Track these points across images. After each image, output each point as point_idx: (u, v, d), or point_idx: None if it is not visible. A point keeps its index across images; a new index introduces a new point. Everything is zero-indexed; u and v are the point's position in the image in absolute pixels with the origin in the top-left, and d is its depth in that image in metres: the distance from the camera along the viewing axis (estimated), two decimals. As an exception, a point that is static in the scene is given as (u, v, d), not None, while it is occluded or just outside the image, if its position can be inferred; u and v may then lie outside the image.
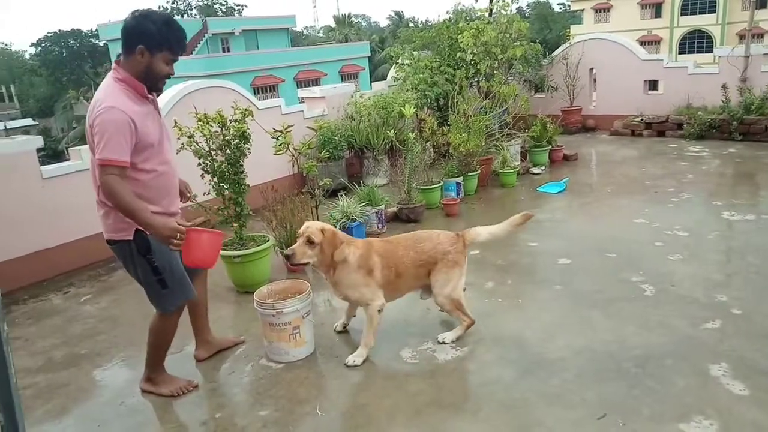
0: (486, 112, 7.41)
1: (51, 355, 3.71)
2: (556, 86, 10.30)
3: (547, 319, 3.65)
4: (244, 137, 4.17)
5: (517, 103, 7.70)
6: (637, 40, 20.92)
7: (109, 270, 5.17)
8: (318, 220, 4.94)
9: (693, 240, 4.81)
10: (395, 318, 3.78)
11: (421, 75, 8.41)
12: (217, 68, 26.71)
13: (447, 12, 10.16)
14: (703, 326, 3.39)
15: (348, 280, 3.22)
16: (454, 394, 2.96)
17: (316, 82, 30.21)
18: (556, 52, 10.58)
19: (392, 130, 6.59)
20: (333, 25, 48.67)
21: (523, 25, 8.75)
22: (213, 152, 4.16)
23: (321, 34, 57.26)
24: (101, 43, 40.27)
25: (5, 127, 34.88)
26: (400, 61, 9.19)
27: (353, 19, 50.47)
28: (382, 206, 5.59)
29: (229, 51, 33.99)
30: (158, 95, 2.91)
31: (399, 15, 50.70)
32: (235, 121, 4.18)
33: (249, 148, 4.23)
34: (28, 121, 39.02)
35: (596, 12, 43.24)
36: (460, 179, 6.45)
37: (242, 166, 4.22)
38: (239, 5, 48.25)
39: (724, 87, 8.57)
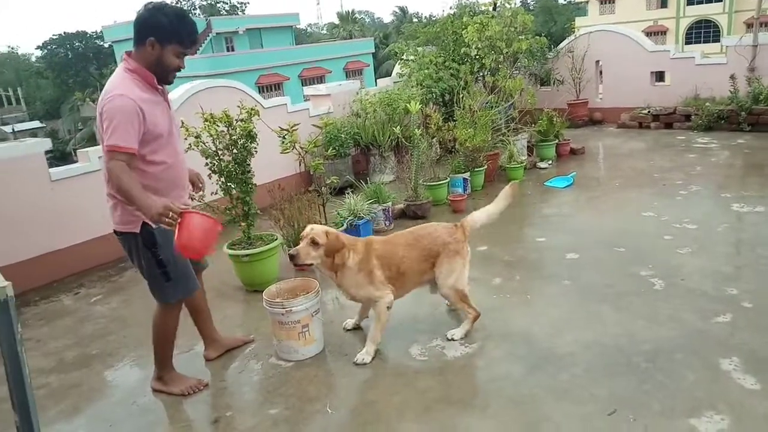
0: (492, 106, 7.39)
1: (63, 356, 3.75)
2: (562, 79, 10.25)
3: (556, 314, 3.64)
4: (251, 136, 4.18)
5: (523, 97, 7.68)
6: (643, 31, 20.77)
7: (119, 270, 5.21)
8: (325, 218, 4.96)
9: (702, 233, 4.78)
10: (404, 315, 3.78)
11: (426, 71, 8.39)
12: (221, 67, 26.77)
13: (451, 7, 10.14)
14: (713, 320, 3.37)
15: (351, 282, 3.25)
16: (462, 391, 2.96)
17: (320, 79, 30.19)
18: (562, 45, 10.52)
19: (398, 127, 6.58)
20: (337, 22, 48.59)
21: (527, 18, 8.71)
22: (220, 152, 4.18)
23: (325, 32, 57.24)
24: (106, 45, 40.39)
25: (13, 129, 35.14)
26: (404, 57, 9.17)
27: (357, 15, 50.39)
28: (389, 203, 5.59)
29: (233, 50, 34.03)
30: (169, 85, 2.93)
31: (403, 11, 50.55)
32: (242, 120, 4.19)
33: (256, 148, 4.25)
34: (36, 124, 39.29)
35: (601, 3, 42.92)
36: (466, 175, 6.44)
37: (249, 165, 4.24)
38: (242, 2, 48.29)
39: (732, 77, 8.48)
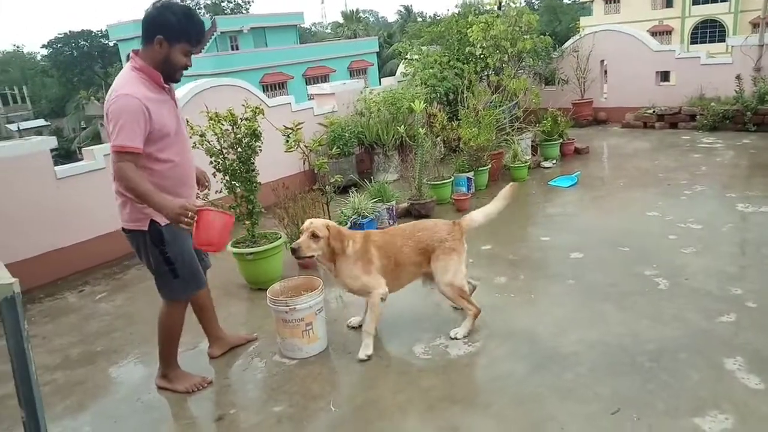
0: (496, 106, 7.38)
1: (68, 353, 3.77)
2: (567, 79, 10.22)
3: (560, 313, 3.64)
4: (255, 135, 4.20)
5: (528, 96, 7.66)
6: (648, 31, 20.71)
7: (123, 268, 5.23)
8: (329, 216, 4.96)
9: (707, 233, 4.76)
10: (408, 314, 3.79)
11: (431, 70, 8.39)
12: (226, 66, 26.80)
13: (456, 6, 10.13)
14: (717, 319, 3.37)
15: (348, 272, 3.30)
16: (466, 389, 2.96)
17: (324, 78, 30.20)
18: (567, 44, 10.50)
19: (402, 126, 6.59)
20: (341, 21, 48.58)
21: (532, 17, 8.70)
22: (224, 150, 4.19)
23: (329, 31, 57.23)
24: (111, 44, 40.53)
25: (18, 128, 35.30)
26: (408, 56, 9.17)
27: (361, 14, 50.35)
28: (393, 202, 5.60)
29: (237, 49, 34.07)
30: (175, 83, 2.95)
31: (408, 10, 50.51)
32: (246, 119, 4.20)
33: (260, 146, 4.26)
34: (41, 122, 39.46)
35: (606, 3, 42.76)
36: (470, 174, 6.44)
37: (253, 163, 4.25)
38: (246, 1, 48.33)
39: (737, 77, 8.45)
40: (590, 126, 10.02)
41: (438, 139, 7.03)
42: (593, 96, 10.20)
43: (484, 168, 6.64)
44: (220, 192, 4.23)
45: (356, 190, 5.70)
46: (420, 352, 3.31)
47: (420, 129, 5.84)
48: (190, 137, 3.95)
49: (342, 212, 5.14)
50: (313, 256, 3.25)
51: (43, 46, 46.17)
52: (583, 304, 3.74)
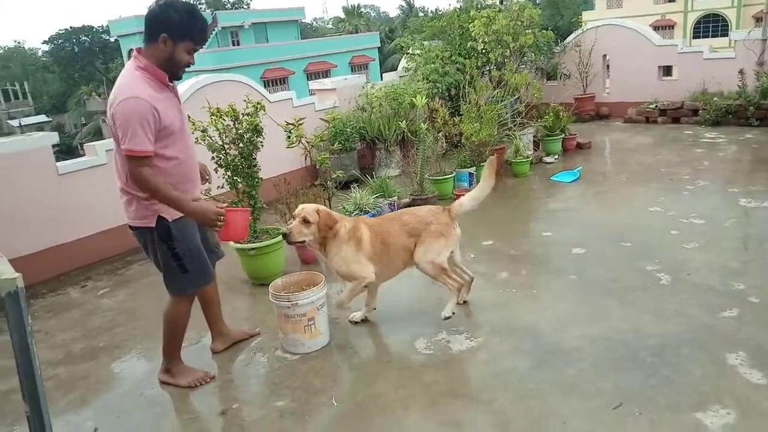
0: (498, 101, 7.36)
1: (71, 348, 3.78)
2: (569, 74, 10.20)
3: (562, 308, 3.64)
4: (257, 131, 4.19)
5: (530, 91, 7.64)
6: (650, 26, 20.61)
7: (125, 264, 5.24)
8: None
9: (709, 228, 4.76)
10: (409, 309, 3.80)
11: (432, 65, 8.37)
12: (227, 62, 26.77)
13: (457, 1, 10.08)
14: (720, 315, 3.36)
15: (339, 256, 3.35)
16: (468, 385, 2.97)
17: (326, 74, 30.16)
18: (569, 39, 10.46)
19: (404, 121, 6.58)
20: (342, 16, 48.45)
21: (534, 12, 8.67)
22: (226, 146, 4.19)
23: (330, 26, 57.07)
24: (112, 39, 40.45)
25: (20, 123, 35.28)
26: (410, 51, 9.14)
27: (362, 9, 50.22)
28: (395, 197, 5.60)
29: (238, 44, 34.02)
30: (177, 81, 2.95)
31: (409, 5, 50.34)
32: (248, 114, 4.20)
33: (262, 142, 4.25)
34: (42, 118, 39.44)
35: (608, -3, 42.57)
36: (472, 169, 6.42)
37: (255, 159, 4.25)
38: (247, -5, 48.21)
39: (740, 72, 8.42)
40: (592, 121, 10.00)
41: (440, 134, 7.02)
42: (595, 91, 10.17)
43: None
44: (222, 187, 4.23)
45: (358, 186, 5.70)
46: (422, 348, 3.31)
47: (422, 124, 5.83)
48: (192, 133, 3.97)
49: (344, 207, 5.14)
50: (304, 241, 3.32)
51: (44, 42, 46.08)
52: (585, 299, 3.74)
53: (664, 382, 2.77)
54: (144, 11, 2.77)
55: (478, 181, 6.47)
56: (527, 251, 4.68)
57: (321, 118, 7.22)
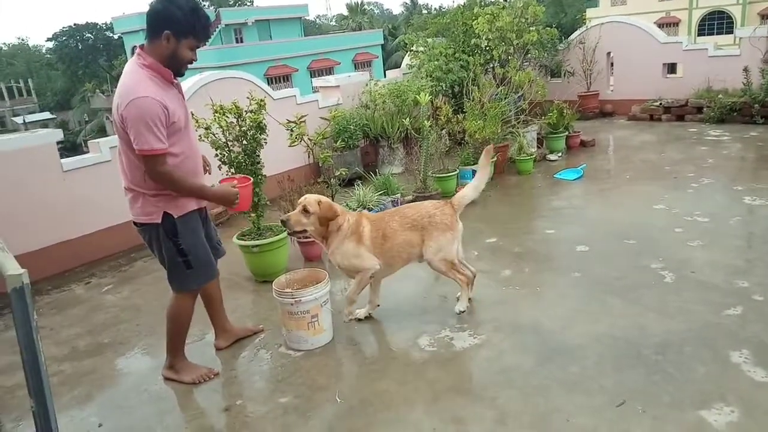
0: (501, 98, 7.34)
1: (75, 344, 3.80)
2: (573, 71, 10.17)
3: (566, 306, 3.63)
4: (260, 128, 4.19)
5: (533, 89, 7.62)
6: (655, 23, 20.53)
7: (129, 260, 5.25)
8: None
9: (713, 226, 4.74)
10: (412, 307, 3.80)
11: (436, 62, 8.35)
12: (230, 59, 26.77)
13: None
14: (723, 313, 3.36)
15: (341, 248, 3.40)
16: (472, 381, 2.97)
17: (329, 71, 30.13)
18: (573, 36, 10.43)
19: (407, 119, 6.57)
20: (346, 13, 48.40)
21: (538, 9, 8.63)
22: (230, 143, 4.19)
23: (334, 23, 57.05)
24: (116, 36, 40.52)
25: (24, 120, 35.42)
26: (414, 48, 9.12)
27: (366, 6, 50.15)
28: (398, 195, 5.59)
29: (242, 41, 34.02)
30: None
31: (413, 2, 50.25)
32: (251, 111, 4.20)
33: (265, 139, 4.25)
34: (46, 115, 39.59)
35: (613, -6, 42.40)
36: (476, 167, 6.40)
37: (259, 156, 4.25)
38: (250, -8, 48.19)
39: (745, 69, 8.38)
40: (596, 118, 9.97)
41: (443, 131, 7.01)
42: (599, 88, 10.14)
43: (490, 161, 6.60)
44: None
45: (361, 183, 5.70)
46: (425, 344, 3.32)
47: (425, 121, 5.82)
48: (196, 130, 3.98)
49: (347, 205, 5.14)
50: (305, 231, 3.38)
51: (49, 39, 46.23)
52: (588, 296, 3.73)
53: (667, 380, 2.77)
54: (147, 9, 2.77)
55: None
56: (531, 249, 4.68)
57: (321, 117, 7.21)
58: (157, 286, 4.49)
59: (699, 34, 37.89)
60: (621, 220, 5.14)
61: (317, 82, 8.22)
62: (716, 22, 38.89)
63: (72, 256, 5.15)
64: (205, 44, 2.94)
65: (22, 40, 58.19)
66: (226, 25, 33.74)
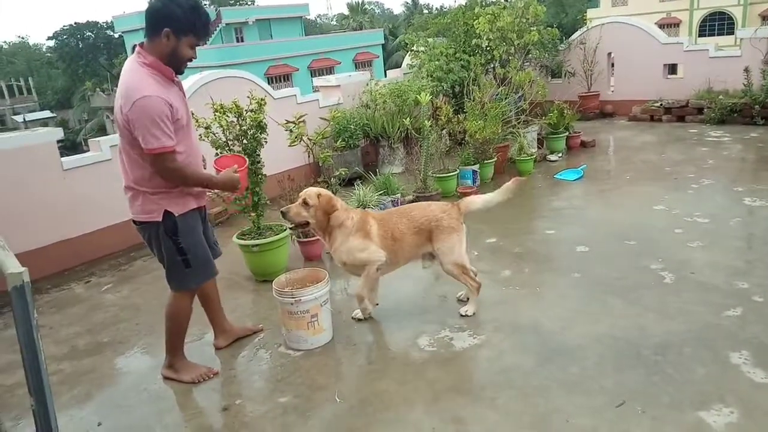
0: (502, 98, 7.35)
1: (75, 343, 3.79)
2: (573, 72, 10.17)
3: (566, 306, 3.63)
4: (261, 127, 4.19)
5: (534, 89, 7.62)
6: (655, 23, 20.53)
7: (129, 259, 5.25)
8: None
9: (713, 227, 4.74)
10: (412, 307, 3.80)
11: (437, 62, 8.35)
12: (231, 58, 26.77)
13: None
14: (723, 314, 3.36)
15: (345, 246, 3.38)
16: (472, 382, 2.97)
17: (330, 70, 30.12)
18: (573, 36, 10.43)
19: (408, 118, 6.57)
20: (346, 12, 48.38)
21: (539, 9, 8.63)
22: (230, 142, 4.19)
23: (334, 23, 57.05)
24: (117, 35, 40.50)
25: (24, 119, 35.42)
26: (414, 48, 9.12)
27: (367, 6, 50.14)
28: (398, 195, 5.59)
29: (242, 41, 34.02)
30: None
31: (414, 1, 50.24)
32: (251, 111, 4.19)
33: (265, 138, 4.25)
34: (46, 113, 39.58)
35: (614, -5, 42.40)
36: (476, 167, 6.42)
37: (259, 155, 4.25)
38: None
39: (746, 70, 8.38)
40: (597, 119, 9.97)
41: (443, 131, 7.01)
42: (600, 89, 10.15)
43: (490, 161, 6.62)
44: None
45: (361, 183, 5.70)
46: (425, 344, 3.32)
47: (426, 121, 5.82)
48: (196, 129, 3.98)
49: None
50: (306, 225, 3.39)
51: (49, 38, 46.21)
52: (588, 297, 3.73)
53: (667, 381, 2.77)
54: (146, 7, 2.77)
55: (482, 179, 6.51)
56: (531, 249, 4.68)
57: (321, 117, 7.21)
58: (156, 286, 4.49)
59: (700, 35, 37.89)
60: (621, 220, 5.14)
61: (318, 81, 8.22)
62: (717, 23, 38.90)
63: (72, 255, 5.15)
64: (206, 43, 2.95)
65: (23, 38, 58.31)
66: (226, 24, 33.74)
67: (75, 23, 43.59)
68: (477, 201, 3.64)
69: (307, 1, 39.32)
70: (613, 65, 10.34)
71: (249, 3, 46.81)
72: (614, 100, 10.19)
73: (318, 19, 62.47)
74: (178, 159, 2.77)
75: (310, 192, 3.40)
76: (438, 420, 2.65)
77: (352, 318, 3.70)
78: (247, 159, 3.39)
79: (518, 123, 7.33)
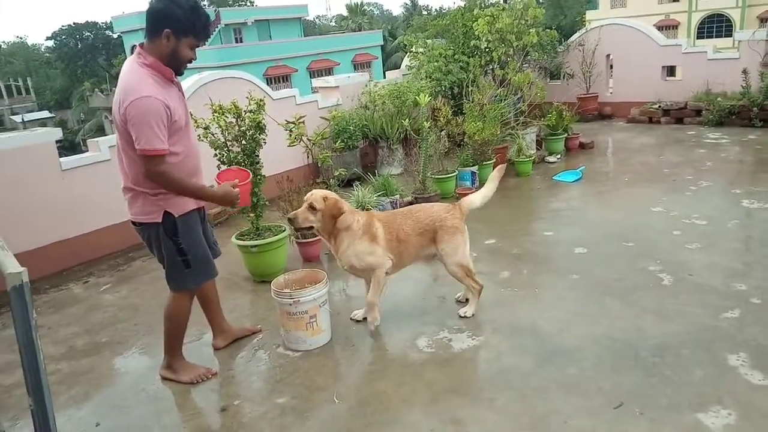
0: (501, 100, 7.35)
1: (73, 343, 3.79)
2: (572, 73, 10.18)
3: (564, 308, 3.64)
4: (260, 128, 4.19)
5: (533, 90, 7.63)
6: (654, 25, 20.55)
7: (127, 260, 5.25)
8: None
9: (711, 228, 4.75)
10: (411, 308, 3.80)
11: (436, 63, 8.36)
12: (230, 59, 26.78)
13: (461, -1, 10.04)
14: (721, 315, 3.36)
15: (352, 249, 3.33)
16: (470, 383, 2.97)
17: (328, 71, 30.14)
18: (572, 38, 10.45)
19: (407, 120, 6.57)
20: (345, 13, 48.41)
21: (538, 11, 8.63)
22: (229, 143, 4.19)
23: (333, 24, 57.06)
24: (115, 36, 40.49)
25: (23, 119, 35.36)
26: (413, 49, 9.13)
27: (366, 7, 50.16)
28: (397, 196, 5.60)
29: (241, 41, 34.02)
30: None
31: (413, 2, 50.28)
32: (251, 111, 4.20)
33: (264, 139, 4.26)
34: (45, 114, 39.51)
35: (612, -3, 42.49)
36: (475, 168, 6.42)
37: (258, 156, 4.25)
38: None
39: (744, 72, 8.39)
40: (595, 121, 9.98)
41: (442, 132, 7.01)
42: (598, 90, 10.16)
43: (489, 162, 6.62)
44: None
45: (360, 184, 5.70)
46: (423, 346, 3.32)
47: (425, 123, 5.83)
48: (195, 129, 3.98)
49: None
50: (312, 228, 3.34)
51: (48, 38, 46.10)
52: (587, 298, 3.74)
53: (665, 383, 2.78)
54: (146, 8, 2.77)
55: (481, 180, 6.51)
56: (529, 250, 4.68)
57: (321, 117, 7.22)
58: (155, 286, 4.49)
59: (698, 37, 38.00)
60: (619, 222, 5.14)
61: (317, 82, 8.22)
62: (715, 25, 39.00)
63: (70, 255, 5.15)
64: (205, 43, 2.95)
65: (21, 38, 58.22)
66: (225, 24, 33.74)
67: (74, 23, 43.60)
68: (475, 200, 3.65)
69: (306, 2, 39.39)
70: (611, 67, 10.36)
71: (248, 4, 46.81)
72: (613, 102, 10.20)
73: (317, 20, 62.49)
74: (176, 160, 2.77)
75: (316, 195, 3.31)
76: (436, 421, 2.65)
77: (351, 319, 3.70)
78: (251, 173, 3.37)
79: (517, 124, 7.34)
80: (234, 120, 4.18)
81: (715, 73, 8.95)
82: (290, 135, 5.03)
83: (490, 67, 8.77)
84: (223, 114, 4.18)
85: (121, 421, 2.90)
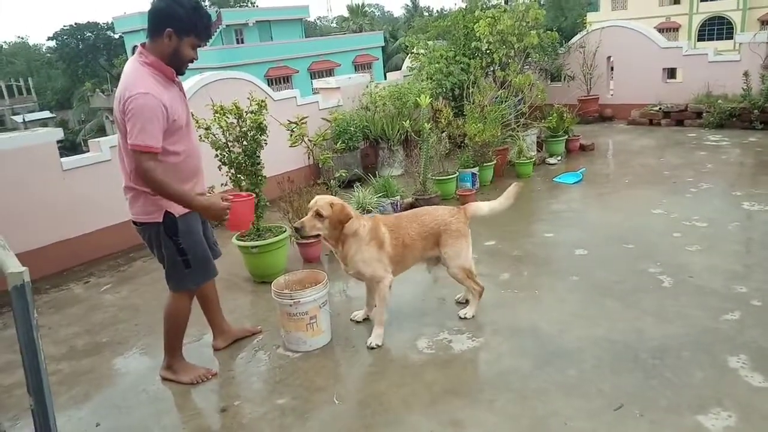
0: (502, 101, 7.36)
1: (74, 343, 3.79)
2: (573, 75, 10.19)
3: (564, 309, 3.64)
4: (261, 129, 4.20)
5: (533, 92, 7.64)
6: (655, 28, 20.58)
7: (128, 260, 5.25)
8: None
9: (712, 231, 4.75)
10: (411, 309, 3.80)
11: (437, 65, 8.36)
12: (231, 59, 26.80)
13: (462, 0, 10.06)
14: (721, 318, 3.36)
15: (360, 255, 3.30)
16: (469, 384, 2.97)
17: (329, 72, 30.16)
18: (573, 40, 10.45)
19: (407, 121, 6.58)
20: (346, 15, 48.43)
21: (539, 12, 8.64)
22: (230, 144, 4.20)
23: (334, 25, 57.09)
24: (117, 36, 40.51)
25: (24, 119, 35.38)
26: (414, 50, 9.14)
27: (367, 8, 50.18)
28: (398, 197, 5.60)
29: (242, 42, 34.06)
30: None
31: (414, 4, 50.31)
32: (252, 112, 4.20)
33: (265, 140, 4.26)
34: (46, 114, 39.53)
35: (613, -1, 42.55)
36: (475, 170, 6.43)
37: (259, 157, 4.26)
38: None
39: (745, 74, 8.40)
40: (596, 123, 9.98)
41: (443, 134, 7.01)
42: (599, 92, 10.16)
43: (489, 164, 6.63)
44: (226, 185, 4.24)
45: (361, 185, 5.70)
46: (423, 347, 3.32)
47: (425, 124, 5.83)
48: (196, 130, 3.98)
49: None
50: (318, 236, 3.31)
51: (49, 38, 46.14)
52: (587, 300, 3.74)
53: (665, 384, 2.78)
54: (148, 7, 2.78)
55: (481, 182, 6.52)
56: (529, 252, 4.68)
57: (323, 118, 7.22)
58: (155, 286, 4.49)
59: (699, 40, 38.04)
60: (620, 224, 5.14)
61: (318, 83, 8.24)
62: (716, 28, 39.04)
63: (71, 256, 5.15)
64: (207, 43, 2.95)
65: (23, 38, 58.28)
66: (227, 25, 33.78)
67: (75, 24, 43.58)
68: (483, 207, 3.62)
69: (307, 3, 39.39)
70: (612, 69, 10.36)
71: (249, 5, 46.85)
72: (613, 104, 10.20)
73: (318, 21, 62.53)
74: (177, 160, 2.77)
75: (322, 202, 3.20)
76: (436, 422, 2.66)
77: (351, 320, 3.70)
78: (254, 196, 3.33)
79: (518, 126, 7.34)
80: (235, 121, 4.18)
81: (716, 75, 8.96)
82: (291, 135, 5.04)
83: (491, 68, 8.78)
84: (224, 114, 4.19)
85: (122, 422, 2.91)
